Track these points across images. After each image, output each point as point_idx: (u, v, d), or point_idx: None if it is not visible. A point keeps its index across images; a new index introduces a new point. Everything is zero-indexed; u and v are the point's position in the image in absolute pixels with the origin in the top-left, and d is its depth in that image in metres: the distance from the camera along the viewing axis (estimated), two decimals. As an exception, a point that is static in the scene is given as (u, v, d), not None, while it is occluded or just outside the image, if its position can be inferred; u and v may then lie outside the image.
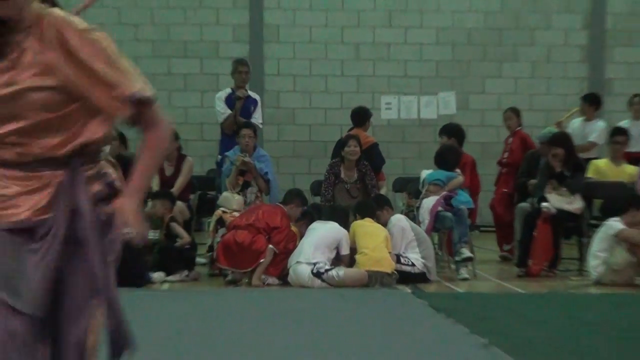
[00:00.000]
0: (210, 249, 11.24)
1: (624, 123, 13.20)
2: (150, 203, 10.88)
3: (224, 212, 11.28)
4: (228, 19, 16.13)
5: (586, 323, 8.44)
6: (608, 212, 11.30)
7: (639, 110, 13.63)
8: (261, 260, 10.50)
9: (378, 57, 16.40)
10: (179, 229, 11.01)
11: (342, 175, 11.92)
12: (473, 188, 12.52)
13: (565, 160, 11.71)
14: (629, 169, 12.05)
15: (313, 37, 16.39)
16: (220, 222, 11.22)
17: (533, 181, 12.02)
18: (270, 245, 10.50)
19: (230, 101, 12.79)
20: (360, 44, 16.45)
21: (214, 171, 12.58)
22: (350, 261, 10.53)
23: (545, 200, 11.46)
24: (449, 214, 11.46)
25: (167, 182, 11.65)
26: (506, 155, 13.44)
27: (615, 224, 10.74)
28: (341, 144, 12.33)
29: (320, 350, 7.41)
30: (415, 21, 16.30)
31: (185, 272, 10.86)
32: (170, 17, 15.92)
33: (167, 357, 7.14)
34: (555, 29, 16.20)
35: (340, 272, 10.27)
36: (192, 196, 12.04)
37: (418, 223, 11.42)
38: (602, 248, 10.75)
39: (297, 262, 10.37)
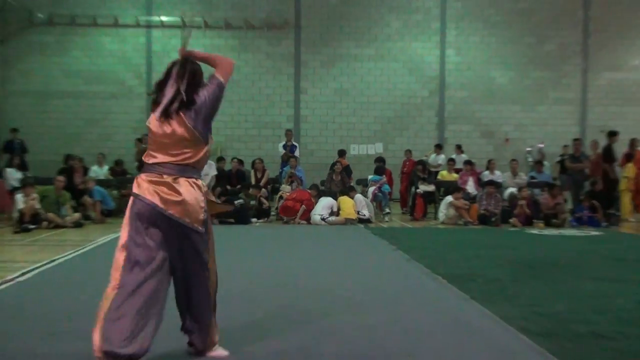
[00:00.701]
0: (277, 209, 11.11)
1: (453, 156, 13.16)
2: (251, 189, 10.88)
3: (282, 193, 11.26)
4: (285, 112, 15.93)
5: (438, 240, 8.48)
6: (446, 193, 11.28)
7: (459, 152, 13.65)
8: (298, 213, 10.47)
9: (349, 128, 16.05)
10: (263, 200, 10.97)
11: (334, 178, 11.93)
12: (390, 183, 12.54)
13: (422, 170, 11.89)
14: (455, 175, 11.99)
15: (321, 120, 16.06)
16: (280, 197, 11.16)
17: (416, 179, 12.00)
18: (303, 206, 10.49)
19: (285, 147, 12.78)
20: (341, 123, 16.07)
21: (278, 176, 12.55)
22: (337, 214, 10.44)
23: (418, 187, 11.53)
24: (380, 194, 11.57)
25: (258, 181, 11.60)
26: (405, 169, 13.38)
27: (449, 197, 10.77)
28: (333, 164, 12.43)
29: (322, 248, 7.58)
30: (365, 113, 16.02)
31: (266, 218, 10.80)
32: (262, 113, 15.72)
33: (258, 247, 7.27)
34: (423, 117, 15.96)
35: (333, 218, 10.28)
36: (268, 186, 11.98)
37: (367, 197, 11.41)
38: (444, 208, 10.79)
39: (314, 214, 10.40)
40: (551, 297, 4.60)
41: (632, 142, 11.50)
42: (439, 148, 13.85)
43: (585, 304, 4.38)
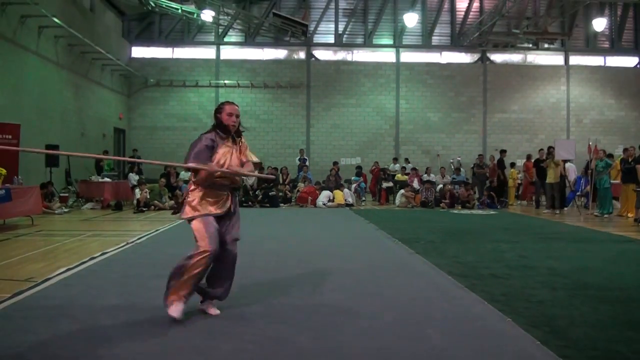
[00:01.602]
0: (295, 198, 10.83)
1: (404, 165, 12.95)
2: (280, 186, 10.72)
3: (299, 188, 11.03)
4: (300, 139, 15.63)
5: (394, 217, 8.29)
6: (400, 187, 10.99)
7: (407, 162, 13.32)
8: (309, 200, 10.33)
9: (340, 148, 15.64)
10: (287, 192, 10.75)
11: (330, 178, 11.68)
12: (365, 181, 12.35)
13: (385, 174, 11.74)
14: (405, 177, 11.70)
15: (323, 143, 15.68)
16: (297, 191, 10.92)
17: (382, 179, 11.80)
18: (310, 197, 10.32)
19: (299, 159, 12.64)
20: (335, 145, 15.62)
21: (296, 177, 12.39)
22: (333, 201, 10.22)
23: (382, 184, 11.35)
24: (359, 188, 11.41)
25: (284, 181, 11.44)
26: (374, 173, 12.87)
27: (402, 190, 10.53)
28: (330, 170, 12.08)
29: (323, 222, 7.35)
30: (349, 139, 15.69)
31: (289, 204, 10.57)
32: (287, 139, 15.50)
33: (284, 221, 7.13)
34: (385, 141, 15.65)
35: (330, 203, 10.10)
36: (290, 184, 11.77)
37: (351, 190, 11.12)
38: (399, 197, 10.53)
39: (318, 201, 10.17)
40: (465, 252, 4.53)
41: (528, 156, 11.77)
42: (395, 160, 13.69)
43: (486, 256, 4.30)
